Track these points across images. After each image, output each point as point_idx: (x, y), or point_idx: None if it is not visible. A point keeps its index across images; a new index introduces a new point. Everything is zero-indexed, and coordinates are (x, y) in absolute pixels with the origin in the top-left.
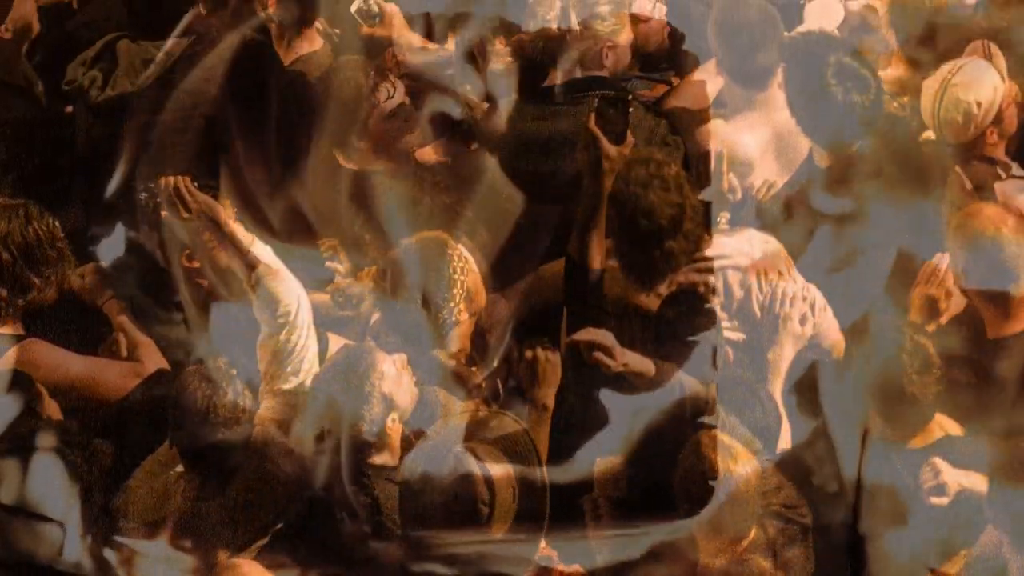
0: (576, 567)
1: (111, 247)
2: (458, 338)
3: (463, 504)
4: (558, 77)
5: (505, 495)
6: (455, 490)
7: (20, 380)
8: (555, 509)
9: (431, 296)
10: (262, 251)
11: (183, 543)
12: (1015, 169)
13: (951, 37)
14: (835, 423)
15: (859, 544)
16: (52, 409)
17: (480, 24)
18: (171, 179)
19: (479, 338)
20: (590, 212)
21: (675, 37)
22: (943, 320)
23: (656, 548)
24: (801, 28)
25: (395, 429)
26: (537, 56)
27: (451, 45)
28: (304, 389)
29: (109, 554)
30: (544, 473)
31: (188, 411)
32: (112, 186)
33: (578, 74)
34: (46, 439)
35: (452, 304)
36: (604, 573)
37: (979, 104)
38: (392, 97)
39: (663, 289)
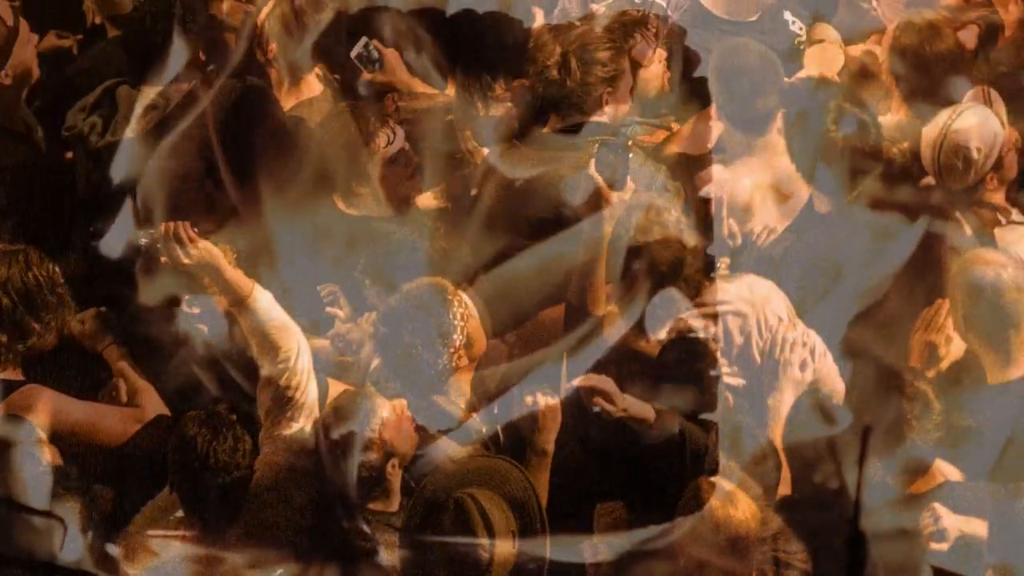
0: None
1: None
2: (458, 384)
3: (463, 551)
4: (558, 122)
5: (505, 541)
6: (455, 537)
7: (20, 426)
8: (555, 554)
9: (431, 342)
10: (262, 296)
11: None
12: (1015, 215)
13: (951, 83)
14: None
15: (859, 541)
16: (52, 454)
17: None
18: (171, 224)
19: (479, 384)
20: (590, 258)
21: (675, 83)
22: (943, 366)
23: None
24: (801, 74)
25: (395, 474)
26: (537, 101)
27: (451, 90)
28: (304, 434)
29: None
30: (544, 518)
31: (188, 457)
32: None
33: (578, 119)
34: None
35: (452, 350)
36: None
37: (979, 150)
38: (392, 142)
39: (663, 335)
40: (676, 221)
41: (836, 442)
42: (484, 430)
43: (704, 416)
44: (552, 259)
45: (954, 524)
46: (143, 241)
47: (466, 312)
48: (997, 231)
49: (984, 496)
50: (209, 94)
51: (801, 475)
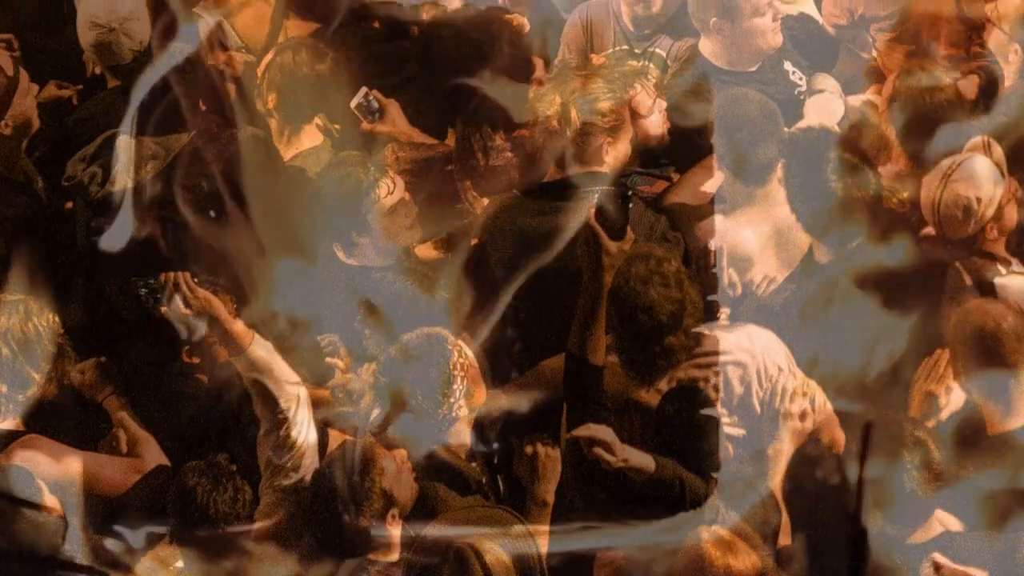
0: None
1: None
2: (458, 433)
3: None
4: (558, 173)
5: None
6: None
7: (20, 476)
8: None
9: (432, 392)
10: (262, 347)
11: None
12: (1015, 265)
13: (951, 133)
14: None
15: (861, 537)
16: (52, 504)
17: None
18: (171, 275)
19: (479, 433)
20: (590, 308)
21: (675, 133)
22: (943, 416)
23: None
24: (801, 124)
25: (395, 524)
26: (537, 151)
27: (451, 140)
28: (304, 485)
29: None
30: (544, 568)
31: (188, 507)
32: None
33: (578, 169)
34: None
35: (452, 399)
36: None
37: (979, 200)
38: (392, 193)
39: (663, 385)
40: (676, 271)
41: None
42: (484, 480)
43: (704, 466)
44: (552, 309)
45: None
46: (143, 291)
47: (466, 361)
48: (997, 281)
49: (984, 547)
50: (210, 144)
51: (802, 471)
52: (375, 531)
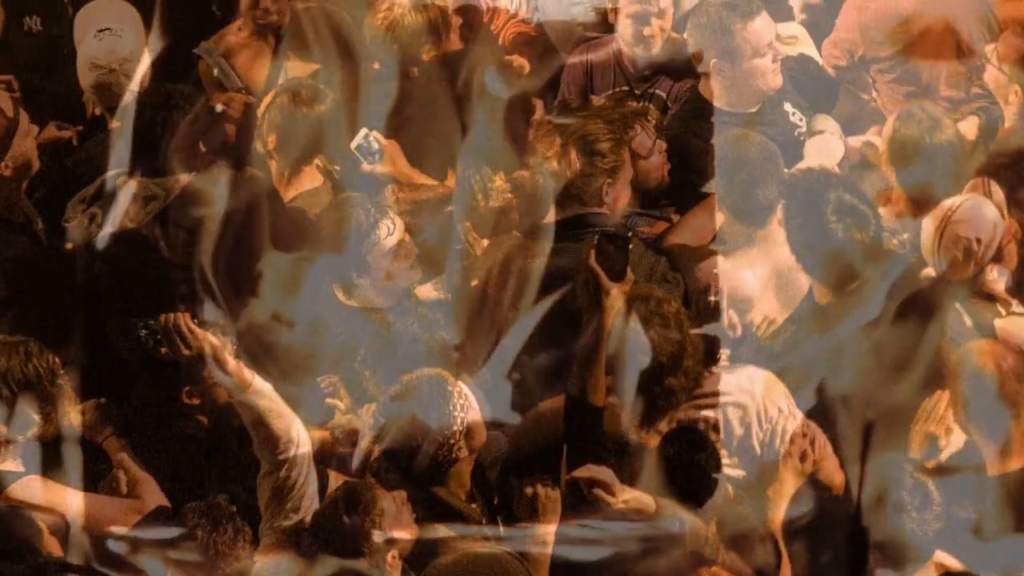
0: None
1: None
2: (458, 475)
3: None
4: (558, 213)
5: None
6: None
7: (20, 517)
8: None
9: (431, 433)
10: (262, 388)
11: None
12: (1015, 306)
13: (951, 174)
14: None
15: (861, 538)
16: (53, 546)
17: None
18: (171, 316)
19: (479, 475)
20: (590, 349)
21: (675, 174)
22: (943, 457)
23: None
24: (801, 165)
25: (395, 565)
26: (537, 192)
27: (451, 182)
28: (304, 526)
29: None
30: None
31: (188, 548)
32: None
33: (578, 211)
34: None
35: (452, 441)
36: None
37: (979, 241)
38: (392, 234)
39: (663, 426)
40: (676, 312)
41: (839, 439)
42: (484, 521)
43: (704, 507)
44: (552, 350)
45: None
46: (143, 332)
47: (466, 403)
48: (997, 322)
49: None
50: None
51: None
52: (375, 572)
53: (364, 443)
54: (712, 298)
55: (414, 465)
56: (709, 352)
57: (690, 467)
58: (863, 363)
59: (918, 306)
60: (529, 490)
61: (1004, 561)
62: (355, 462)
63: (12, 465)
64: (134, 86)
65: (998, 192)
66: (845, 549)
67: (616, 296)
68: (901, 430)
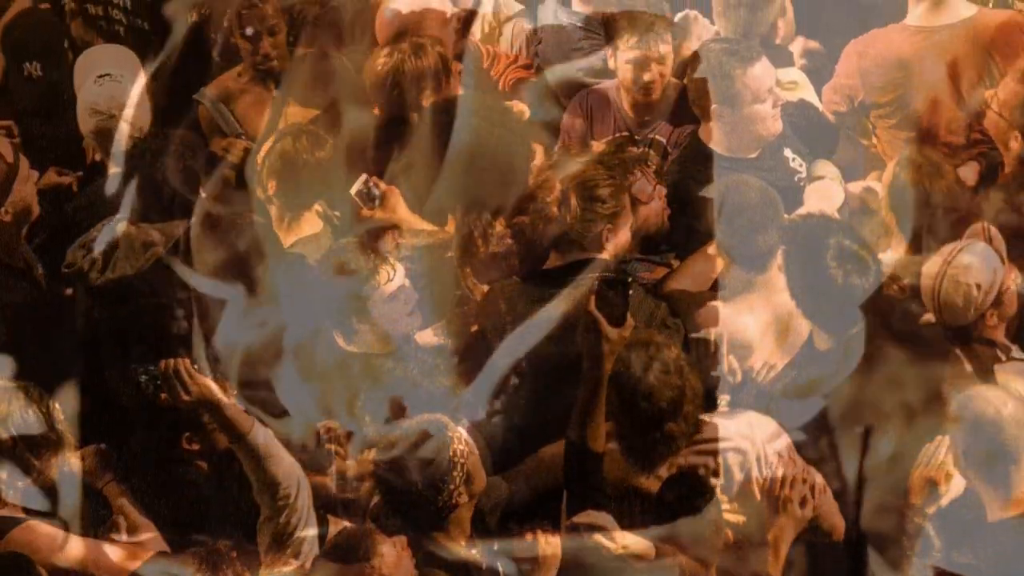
0: None
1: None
2: (458, 520)
3: None
4: (558, 259)
5: None
6: None
7: (20, 563)
8: None
9: (431, 478)
10: (262, 433)
11: None
12: (1015, 352)
13: (951, 219)
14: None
15: (859, 541)
16: None
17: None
18: (171, 362)
19: (479, 520)
20: (590, 394)
21: (675, 219)
22: (943, 502)
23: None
24: (801, 210)
25: None
26: (537, 238)
27: (451, 227)
28: (305, 572)
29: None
30: None
31: None
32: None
33: (578, 256)
34: None
35: (452, 486)
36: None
37: (979, 287)
38: (392, 279)
39: (663, 472)
40: (676, 358)
41: (837, 442)
42: (484, 566)
43: (704, 552)
44: (552, 395)
45: None
46: (143, 378)
47: (466, 449)
48: (997, 368)
49: None
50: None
51: None
52: None
53: (364, 488)
54: (712, 343)
55: (414, 511)
56: (709, 397)
57: (690, 512)
58: (862, 409)
59: (918, 351)
60: (529, 536)
61: None
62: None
63: (12, 511)
64: (134, 132)
65: (998, 238)
66: (844, 551)
67: (616, 341)
68: (900, 475)
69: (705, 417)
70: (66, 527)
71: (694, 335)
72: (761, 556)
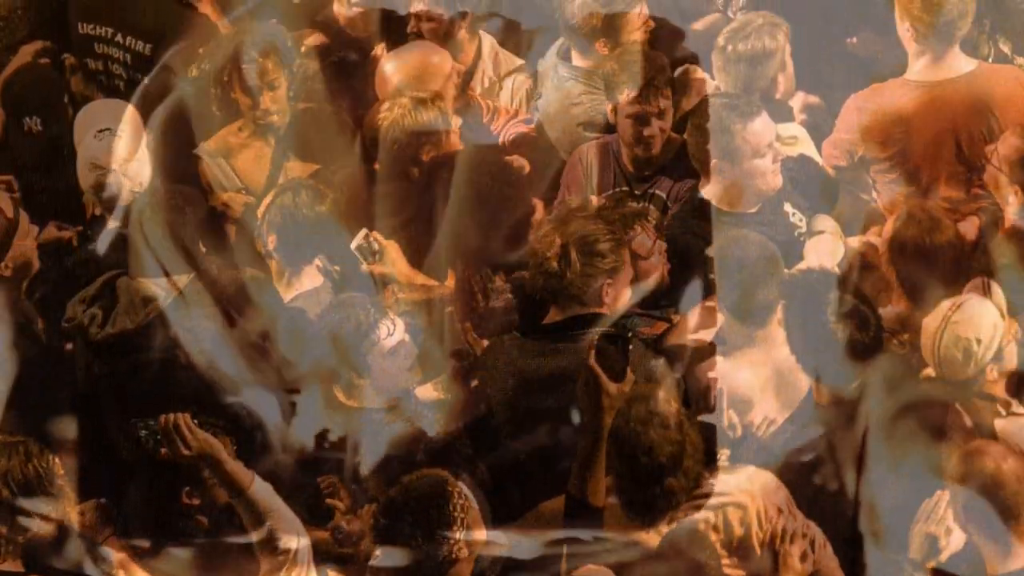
0: None
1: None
2: (459, 575)
3: None
4: (558, 314)
5: None
6: None
7: None
8: None
9: (431, 533)
10: (262, 488)
11: None
12: (1015, 406)
13: (951, 274)
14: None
15: (858, 542)
16: None
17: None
18: (171, 417)
19: (479, 575)
20: (590, 449)
21: (675, 274)
22: (943, 557)
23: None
24: (801, 265)
25: None
26: (537, 293)
27: (451, 282)
28: None
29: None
30: None
31: None
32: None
33: (578, 311)
34: None
35: (452, 541)
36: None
37: (979, 341)
38: (392, 334)
39: (663, 526)
40: (676, 413)
41: (835, 443)
42: None
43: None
44: (553, 450)
45: None
46: (143, 433)
47: (466, 503)
48: (997, 422)
49: None
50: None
51: (800, 477)
52: None
53: (365, 543)
54: (712, 398)
55: (414, 566)
56: (709, 452)
57: (690, 566)
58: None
59: (918, 406)
60: None
61: None
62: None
63: (12, 565)
64: (134, 186)
65: (998, 292)
66: (843, 553)
67: (616, 396)
68: (900, 529)
69: (705, 472)
70: None
71: (694, 390)
72: None
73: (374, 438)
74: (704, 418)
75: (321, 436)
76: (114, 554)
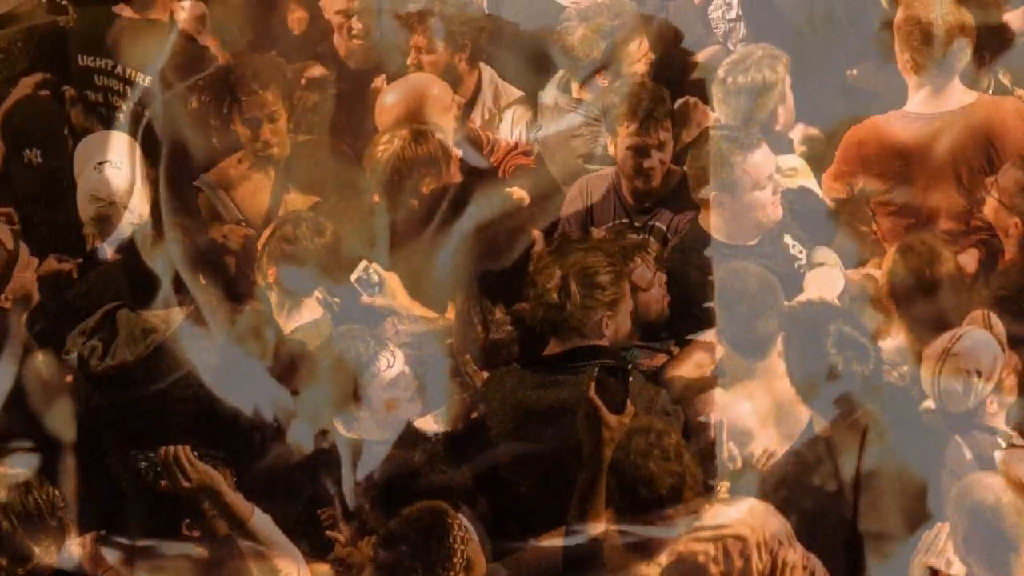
0: None
1: None
2: None
3: None
4: (558, 346)
5: None
6: None
7: None
8: None
9: (431, 565)
10: (262, 521)
11: None
12: (1015, 438)
13: (951, 307)
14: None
15: (857, 542)
16: None
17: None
18: (171, 449)
19: None
20: (590, 481)
21: (675, 306)
22: None
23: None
24: (801, 297)
25: None
26: (537, 325)
27: (451, 314)
28: None
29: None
30: None
31: None
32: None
33: (578, 343)
34: None
35: (452, 573)
36: None
37: (979, 373)
38: (392, 366)
39: (663, 559)
40: (676, 445)
41: (834, 443)
42: None
43: None
44: (553, 482)
45: None
46: (143, 465)
47: (466, 535)
48: (997, 454)
49: None
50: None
51: (799, 478)
52: None
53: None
54: (712, 430)
55: None
56: (709, 484)
57: None
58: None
59: (918, 438)
60: None
61: None
62: None
63: None
64: (134, 219)
65: (998, 324)
66: (843, 553)
67: (616, 428)
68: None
69: (706, 504)
70: None
71: (694, 422)
72: None
73: (375, 471)
74: (704, 450)
75: (320, 436)
76: None
